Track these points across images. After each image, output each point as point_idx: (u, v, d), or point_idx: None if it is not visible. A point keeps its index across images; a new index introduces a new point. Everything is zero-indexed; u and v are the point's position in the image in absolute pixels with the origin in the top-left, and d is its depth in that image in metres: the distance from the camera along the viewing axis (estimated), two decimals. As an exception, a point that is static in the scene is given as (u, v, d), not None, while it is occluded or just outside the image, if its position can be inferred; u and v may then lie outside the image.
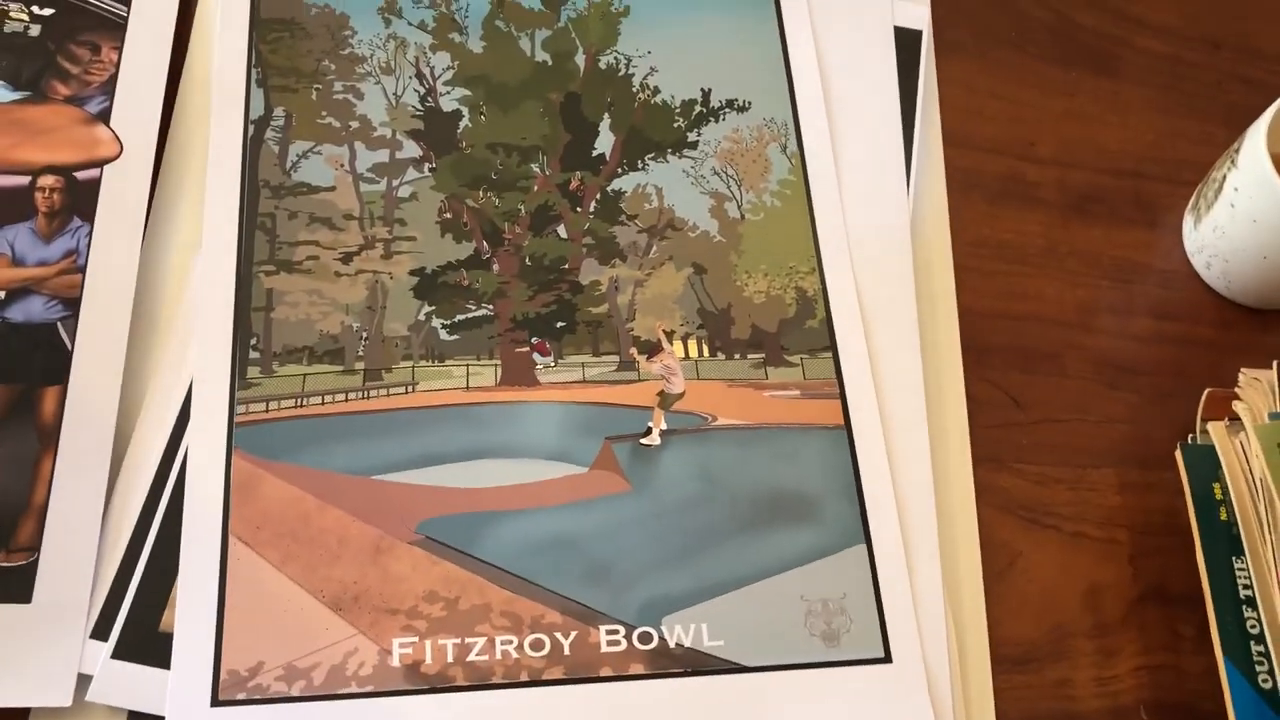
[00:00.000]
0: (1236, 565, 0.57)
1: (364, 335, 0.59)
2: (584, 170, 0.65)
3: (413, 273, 0.61)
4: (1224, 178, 0.64)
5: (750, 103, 0.67)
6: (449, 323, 0.60)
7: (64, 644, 0.50)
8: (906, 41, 0.71)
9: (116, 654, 0.51)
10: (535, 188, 0.64)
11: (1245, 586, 0.56)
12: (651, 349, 0.61)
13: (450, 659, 0.52)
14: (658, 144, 0.66)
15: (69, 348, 0.55)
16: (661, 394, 0.60)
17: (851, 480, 0.58)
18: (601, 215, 0.64)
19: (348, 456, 0.56)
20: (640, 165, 0.65)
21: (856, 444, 0.59)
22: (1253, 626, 0.56)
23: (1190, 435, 0.62)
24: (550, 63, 0.67)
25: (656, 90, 0.67)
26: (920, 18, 0.72)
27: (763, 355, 0.62)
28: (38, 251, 0.57)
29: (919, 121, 0.69)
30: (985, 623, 0.58)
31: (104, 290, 0.57)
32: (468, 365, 0.59)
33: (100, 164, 0.59)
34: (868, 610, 0.56)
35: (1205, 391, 0.62)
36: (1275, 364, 0.58)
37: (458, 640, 0.53)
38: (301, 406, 0.57)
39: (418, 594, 0.53)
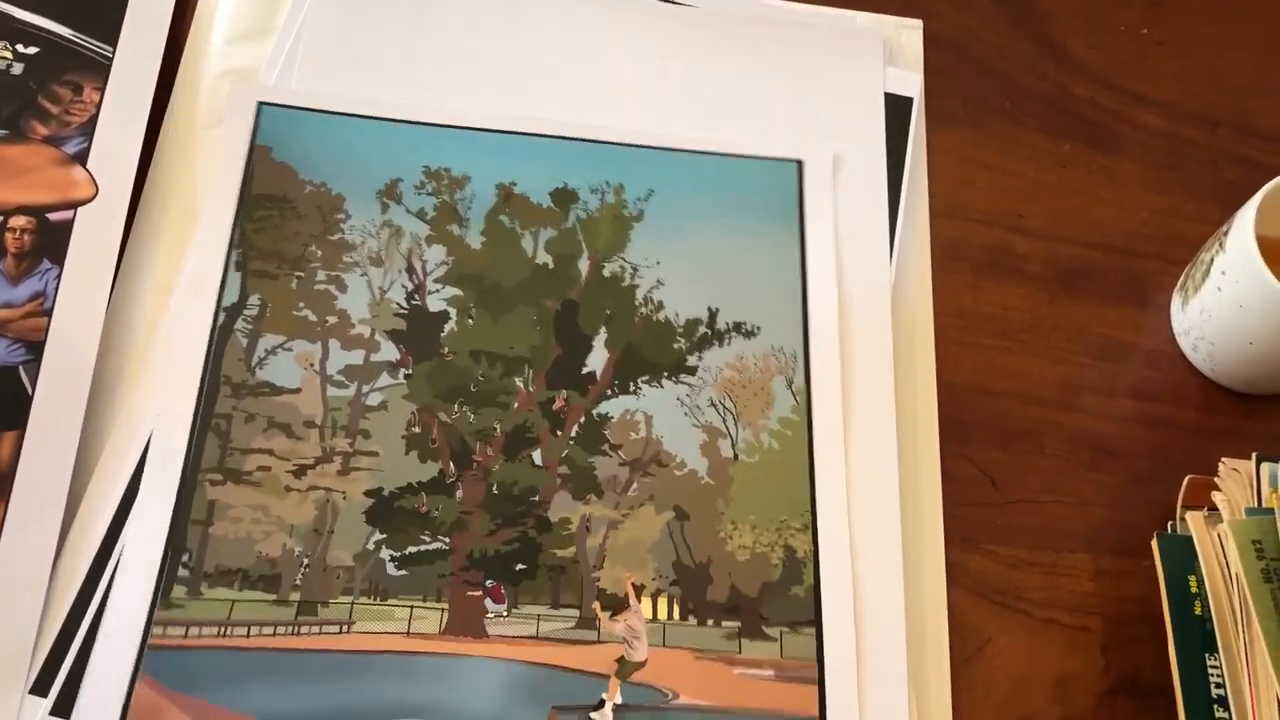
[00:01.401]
0: (1209, 662, 0.55)
1: (304, 562, 0.55)
2: (570, 389, 0.60)
3: (368, 493, 0.56)
4: (1211, 260, 0.63)
5: (759, 327, 0.62)
6: (399, 555, 0.55)
7: (2, 698, 0.50)
8: (897, 108, 0.70)
9: (55, 710, 0.50)
10: (515, 404, 0.59)
11: (1218, 685, 0.55)
12: (617, 605, 0.56)
13: None
14: (654, 365, 0.61)
15: (29, 393, 0.55)
16: (621, 660, 0.55)
17: None
18: (582, 442, 0.59)
19: (266, 699, 0.51)
20: (632, 388, 0.60)
21: None
22: (1223, 727, 0.54)
23: (1170, 522, 0.61)
24: (552, 265, 0.63)
25: (661, 305, 0.63)
26: (912, 85, 0.71)
27: (739, 624, 0.56)
28: (3, 293, 0.57)
29: (906, 189, 0.68)
30: (950, 711, 0.56)
31: (69, 335, 0.56)
32: (412, 607, 0.54)
33: (74, 205, 0.59)
34: None
35: (1186, 479, 0.60)
36: (1254, 456, 0.57)
37: None
38: (225, 636, 0.53)
39: None
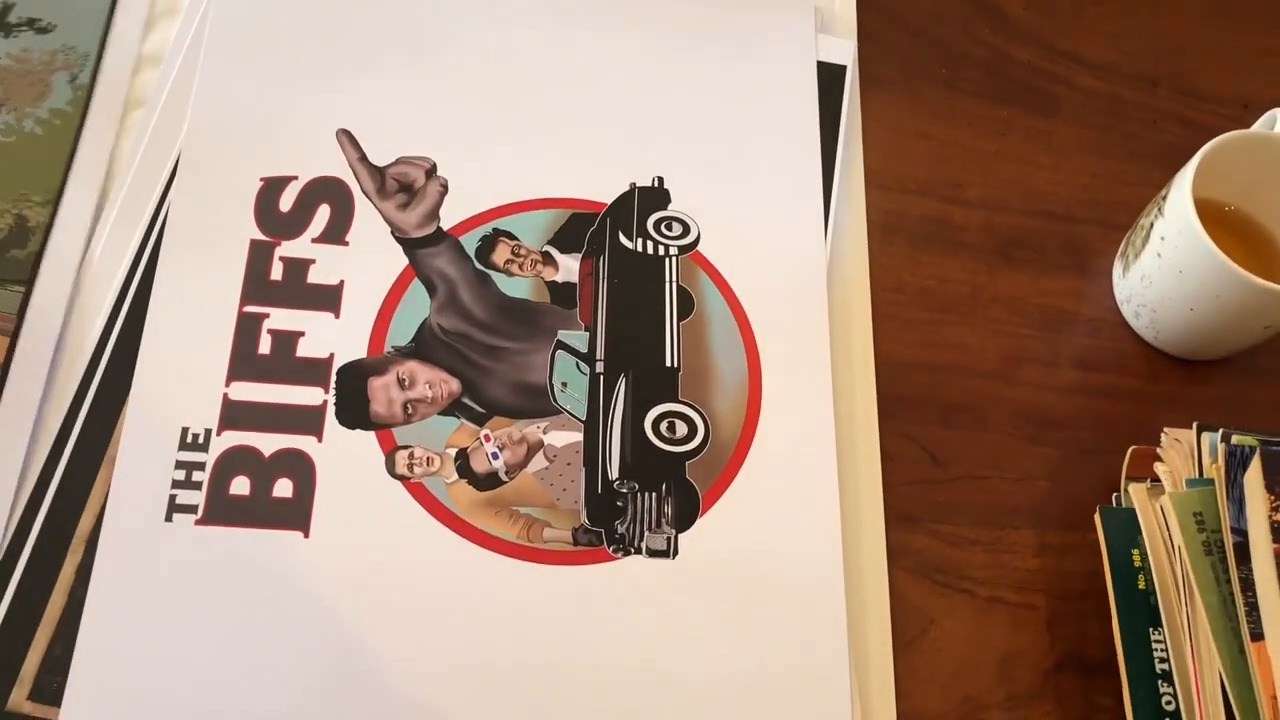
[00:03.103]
0: (1154, 636, 0.54)
1: None
2: None
3: None
4: (1151, 225, 0.61)
5: (55, 25, 0.62)
6: None
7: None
8: (830, 77, 0.68)
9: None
10: None
11: (1162, 660, 0.54)
12: None
13: None
14: None
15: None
16: None
17: None
18: None
19: None
20: None
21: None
22: (1168, 703, 0.53)
23: (1115, 494, 0.60)
24: None
25: None
26: (845, 52, 0.69)
27: None
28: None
29: (840, 161, 0.66)
30: (894, 695, 0.55)
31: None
32: None
33: None
34: None
35: (1130, 449, 0.59)
36: (1195, 425, 0.55)
37: None
38: None
39: None
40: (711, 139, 0.65)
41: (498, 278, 0.60)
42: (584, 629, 0.54)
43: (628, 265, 0.62)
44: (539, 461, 0.57)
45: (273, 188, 0.60)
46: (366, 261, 0.60)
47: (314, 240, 0.60)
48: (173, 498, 0.54)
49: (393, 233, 0.60)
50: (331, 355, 0.57)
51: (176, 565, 0.52)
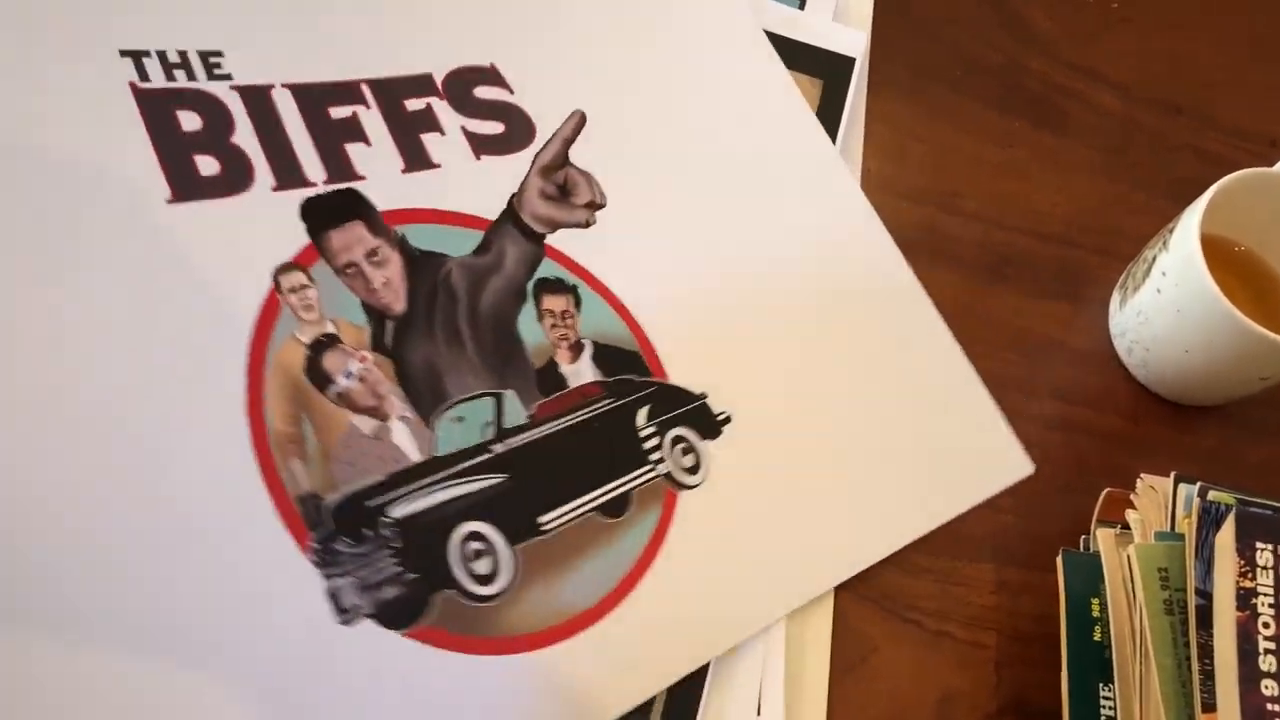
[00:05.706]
0: (1103, 692, 0.51)
1: None
2: None
3: None
4: (1154, 258, 0.58)
5: None
6: None
7: None
8: (837, 67, 0.65)
9: None
10: None
11: (1109, 717, 0.51)
12: None
13: None
14: None
15: None
16: None
17: None
18: None
19: None
20: None
21: None
22: (1111, 763, 0.50)
23: (1083, 536, 0.56)
24: None
25: None
26: (856, 44, 0.65)
27: None
28: None
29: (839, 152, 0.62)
30: (823, 722, 0.52)
31: None
32: None
33: None
34: None
35: (1104, 491, 0.56)
36: (1173, 475, 0.52)
37: None
38: None
39: None
40: None
41: (526, 312, 0.55)
42: None
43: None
44: (364, 423, 0.50)
45: None
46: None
47: None
48: None
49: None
50: None
51: None
